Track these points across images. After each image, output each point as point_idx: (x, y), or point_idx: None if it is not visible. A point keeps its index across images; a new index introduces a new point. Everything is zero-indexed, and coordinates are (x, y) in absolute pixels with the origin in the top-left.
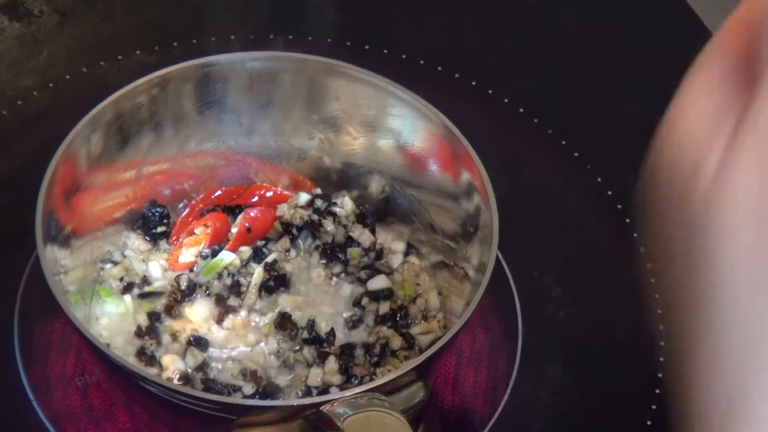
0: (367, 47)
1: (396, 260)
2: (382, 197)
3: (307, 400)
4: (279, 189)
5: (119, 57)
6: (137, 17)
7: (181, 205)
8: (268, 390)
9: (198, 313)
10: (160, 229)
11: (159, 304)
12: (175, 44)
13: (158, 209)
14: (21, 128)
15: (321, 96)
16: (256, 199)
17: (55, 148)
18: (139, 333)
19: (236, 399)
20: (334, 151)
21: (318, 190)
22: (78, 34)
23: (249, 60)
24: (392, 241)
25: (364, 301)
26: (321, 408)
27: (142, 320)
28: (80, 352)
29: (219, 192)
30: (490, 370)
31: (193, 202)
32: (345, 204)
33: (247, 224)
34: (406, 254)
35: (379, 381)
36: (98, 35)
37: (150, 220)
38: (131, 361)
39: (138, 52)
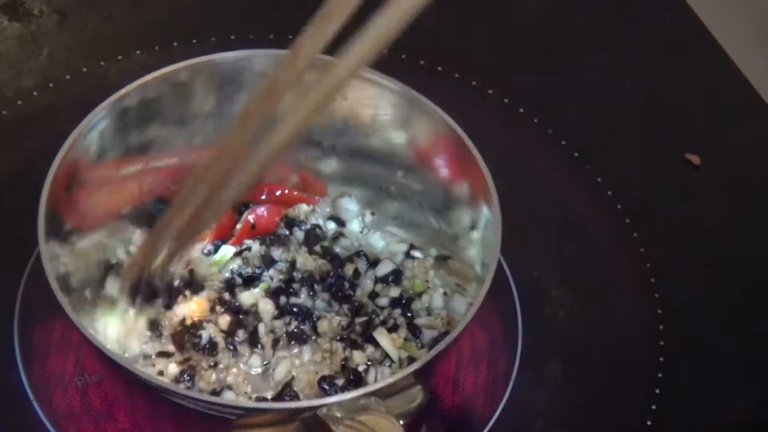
0: None
1: (398, 258)
2: (388, 197)
3: (305, 403)
4: (288, 188)
5: (119, 57)
6: (137, 17)
7: None
8: None
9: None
10: None
11: (157, 306)
12: (175, 44)
13: (164, 206)
14: (21, 128)
15: None
16: (263, 197)
17: (55, 148)
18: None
19: (234, 401)
20: (341, 150)
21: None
22: (78, 34)
23: (257, 58)
24: (396, 244)
25: (378, 287)
26: (317, 412)
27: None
28: (80, 352)
29: None
30: (490, 370)
31: None
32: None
33: (251, 219)
34: (408, 252)
35: (376, 385)
36: (98, 35)
37: (156, 217)
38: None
39: (138, 52)
